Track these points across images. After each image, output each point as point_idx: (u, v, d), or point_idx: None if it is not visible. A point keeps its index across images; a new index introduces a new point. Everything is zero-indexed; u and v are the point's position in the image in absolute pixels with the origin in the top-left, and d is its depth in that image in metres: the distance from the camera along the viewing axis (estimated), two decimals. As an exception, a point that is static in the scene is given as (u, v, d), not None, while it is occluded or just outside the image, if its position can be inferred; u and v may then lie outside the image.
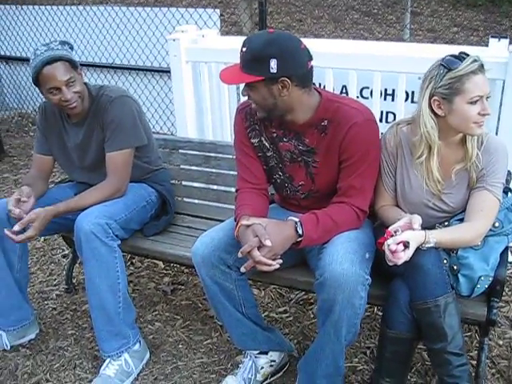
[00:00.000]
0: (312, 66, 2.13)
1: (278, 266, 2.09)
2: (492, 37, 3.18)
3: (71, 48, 2.64)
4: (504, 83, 2.86)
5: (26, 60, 6.44)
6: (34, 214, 2.49)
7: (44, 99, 2.73)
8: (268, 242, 2.04)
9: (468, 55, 2.06)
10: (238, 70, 2.11)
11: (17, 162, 5.53)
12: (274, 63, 2.02)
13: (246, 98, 2.20)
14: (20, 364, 2.76)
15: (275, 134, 2.31)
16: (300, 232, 2.09)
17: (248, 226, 2.11)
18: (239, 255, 2.09)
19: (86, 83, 2.70)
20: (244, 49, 2.07)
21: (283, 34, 2.11)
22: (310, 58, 2.11)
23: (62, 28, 6.10)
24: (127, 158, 2.69)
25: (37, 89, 2.63)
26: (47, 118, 2.81)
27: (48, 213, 2.53)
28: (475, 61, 2.04)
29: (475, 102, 2.05)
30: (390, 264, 2.00)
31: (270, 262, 2.06)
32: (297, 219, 2.11)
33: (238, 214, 2.23)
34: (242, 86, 3.45)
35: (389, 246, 1.98)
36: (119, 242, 2.59)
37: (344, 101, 2.23)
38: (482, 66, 2.05)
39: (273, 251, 2.06)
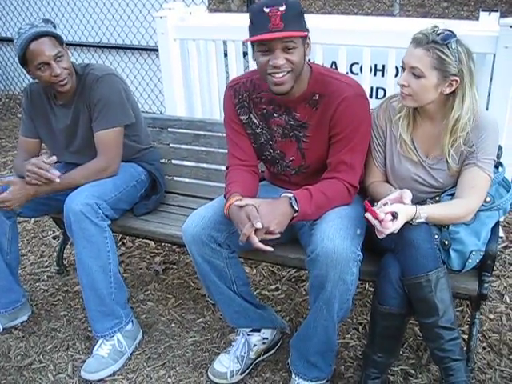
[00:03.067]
0: None
1: (271, 249, 2.08)
2: (483, 10, 3.16)
3: (54, 26, 2.60)
4: (494, 57, 2.84)
5: (11, 40, 6.36)
6: (14, 179, 2.56)
7: (31, 81, 2.70)
8: (258, 225, 2.02)
9: (434, 29, 2.02)
10: (271, 33, 1.98)
11: (5, 144, 5.49)
12: (305, 19, 2.04)
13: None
14: (13, 346, 2.76)
15: (265, 110, 2.29)
16: (295, 207, 2.08)
17: (241, 206, 2.10)
18: (240, 243, 2.08)
19: (71, 62, 2.66)
20: (282, 8, 1.96)
21: None
22: None
23: (47, 7, 6.01)
24: (117, 137, 2.66)
25: (23, 69, 2.59)
26: (33, 100, 2.77)
27: (30, 190, 2.54)
28: (421, 33, 2.03)
29: (402, 68, 2.09)
30: (379, 236, 2.00)
31: (266, 248, 2.06)
32: (290, 195, 2.10)
33: (228, 192, 2.22)
34: (231, 62, 3.42)
35: (377, 214, 1.97)
36: (109, 222, 2.58)
37: (335, 75, 2.22)
38: (421, 39, 2.00)
39: (270, 232, 2.05)
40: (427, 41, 1.99)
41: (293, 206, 2.08)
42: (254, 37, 2.02)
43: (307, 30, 2.05)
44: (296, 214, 2.08)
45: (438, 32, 2.00)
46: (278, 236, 2.08)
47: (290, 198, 2.09)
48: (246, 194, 2.20)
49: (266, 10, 1.97)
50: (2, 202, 2.53)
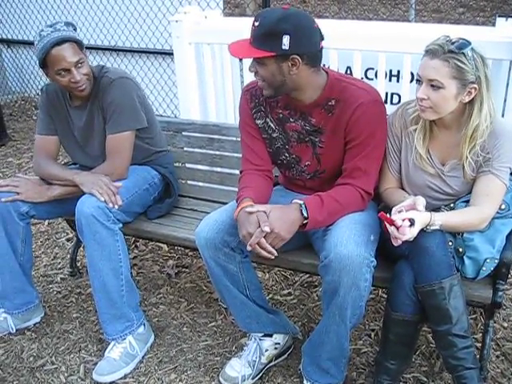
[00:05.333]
0: (322, 47, 2.12)
1: (273, 256, 2.09)
2: (499, 16, 3.14)
3: (75, 29, 2.61)
4: (511, 64, 2.82)
5: (28, 43, 6.44)
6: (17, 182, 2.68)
7: (46, 82, 2.71)
8: (266, 228, 2.03)
9: (447, 39, 2.00)
10: (247, 44, 2.08)
11: (20, 145, 5.53)
12: (286, 40, 2.00)
13: (253, 74, 2.17)
14: (26, 347, 2.77)
15: (281, 115, 2.29)
16: (305, 214, 2.08)
17: (251, 212, 2.10)
18: (248, 248, 2.08)
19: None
20: (256, 23, 2.04)
21: (298, 11, 2.08)
22: (322, 38, 2.10)
23: (63, 10, 6.05)
24: (126, 141, 2.67)
25: (40, 72, 2.62)
26: (50, 100, 2.78)
27: (42, 194, 2.64)
28: (435, 44, 2.00)
29: (418, 81, 2.07)
30: (394, 243, 1.99)
31: (269, 255, 2.07)
32: (301, 201, 2.10)
33: (240, 196, 2.22)
34: (246, 66, 3.43)
35: (394, 221, 1.96)
36: (121, 225, 2.58)
37: (351, 81, 2.22)
38: (437, 50, 1.97)
39: (280, 237, 2.06)
40: (443, 51, 1.97)
41: (303, 213, 2.08)
42: (234, 43, 2.14)
43: (282, 51, 2.02)
44: (306, 220, 2.08)
45: (453, 41, 1.98)
46: (285, 241, 2.09)
47: (300, 205, 2.09)
48: (258, 199, 2.20)
49: (254, 21, 2.07)
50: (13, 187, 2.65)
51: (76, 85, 2.55)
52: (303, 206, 2.09)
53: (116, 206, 2.50)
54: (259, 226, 2.05)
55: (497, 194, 2.09)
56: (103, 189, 2.50)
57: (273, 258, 2.09)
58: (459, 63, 1.96)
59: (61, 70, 2.51)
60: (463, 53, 1.96)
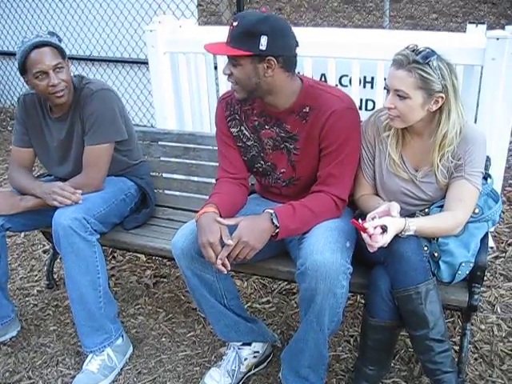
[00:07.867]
0: (297, 53, 2.14)
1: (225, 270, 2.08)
2: (470, 23, 3.19)
3: (59, 40, 2.61)
4: (482, 69, 2.86)
5: (2, 53, 6.37)
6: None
7: (24, 91, 2.69)
8: (230, 242, 2.04)
9: (414, 48, 2.02)
10: (223, 45, 2.09)
11: (-5, 157, 5.47)
12: (264, 40, 2.01)
13: (228, 84, 2.18)
14: (1, 362, 2.73)
15: (257, 122, 2.29)
16: (276, 223, 2.08)
17: (219, 222, 2.10)
18: (218, 262, 2.06)
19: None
20: (235, 23, 2.05)
21: (276, 15, 2.12)
22: (297, 44, 2.13)
23: (37, 20, 6.01)
24: (104, 153, 2.65)
25: (14, 82, 2.60)
26: (27, 111, 2.76)
27: (15, 206, 2.63)
28: (401, 54, 2.03)
29: (387, 90, 2.11)
30: (370, 250, 2.00)
31: (223, 268, 2.07)
32: (272, 211, 2.10)
33: (207, 201, 2.22)
34: (221, 76, 3.44)
35: (366, 229, 1.97)
36: (98, 236, 2.57)
37: (325, 88, 2.23)
38: (402, 61, 2.01)
39: (249, 246, 2.05)
40: (408, 61, 1.99)
41: (273, 222, 2.08)
42: (210, 43, 2.15)
43: (259, 51, 2.03)
44: (277, 230, 2.09)
45: (418, 51, 2.00)
46: (256, 251, 2.08)
47: (271, 214, 2.09)
48: (227, 206, 2.21)
49: (232, 22, 2.08)
50: None
51: (54, 89, 2.53)
52: (274, 214, 2.09)
53: (80, 202, 2.50)
54: (221, 237, 2.05)
55: (470, 198, 2.11)
56: (63, 194, 2.50)
57: (225, 272, 2.08)
58: (424, 73, 1.99)
59: (39, 72, 2.49)
60: (428, 63, 1.98)
